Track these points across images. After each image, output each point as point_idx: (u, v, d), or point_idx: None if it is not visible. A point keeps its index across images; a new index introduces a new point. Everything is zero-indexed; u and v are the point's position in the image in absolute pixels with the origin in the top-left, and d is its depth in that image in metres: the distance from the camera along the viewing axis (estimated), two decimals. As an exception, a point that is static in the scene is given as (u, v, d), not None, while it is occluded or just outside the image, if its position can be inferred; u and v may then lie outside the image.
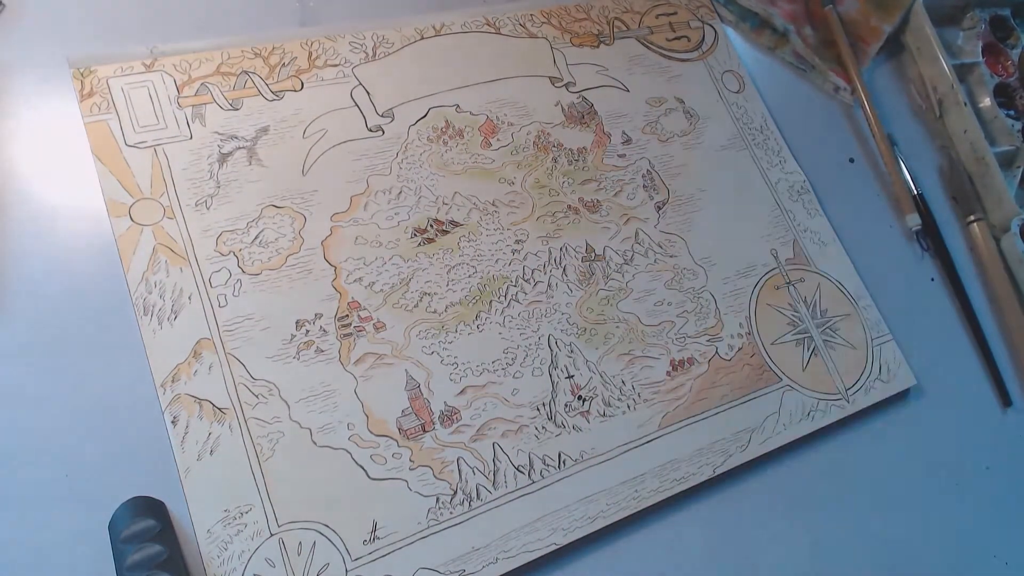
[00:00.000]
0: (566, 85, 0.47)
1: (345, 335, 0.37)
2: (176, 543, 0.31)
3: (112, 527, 0.31)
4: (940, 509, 0.43)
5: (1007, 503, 0.45)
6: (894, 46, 0.59)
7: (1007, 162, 0.56)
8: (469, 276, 0.40)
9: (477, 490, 0.35)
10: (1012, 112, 0.58)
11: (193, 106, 0.39)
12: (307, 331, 0.36)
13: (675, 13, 0.53)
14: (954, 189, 0.55)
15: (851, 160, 0.53)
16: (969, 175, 0.55)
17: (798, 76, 0.55)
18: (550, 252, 0.42)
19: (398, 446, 0.35)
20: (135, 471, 0.32)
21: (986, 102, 0.57)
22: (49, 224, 0.36)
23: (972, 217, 0.54)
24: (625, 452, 0.38)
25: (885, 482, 0.43)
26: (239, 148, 0.39)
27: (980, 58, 0.58)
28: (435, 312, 0.39)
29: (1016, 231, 0.52)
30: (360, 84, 0.43)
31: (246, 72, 0.41)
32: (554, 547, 0.35)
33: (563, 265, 0.42)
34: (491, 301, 0.40)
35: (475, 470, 0.36)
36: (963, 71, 0.57)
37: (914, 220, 0.52)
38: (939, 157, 0.57)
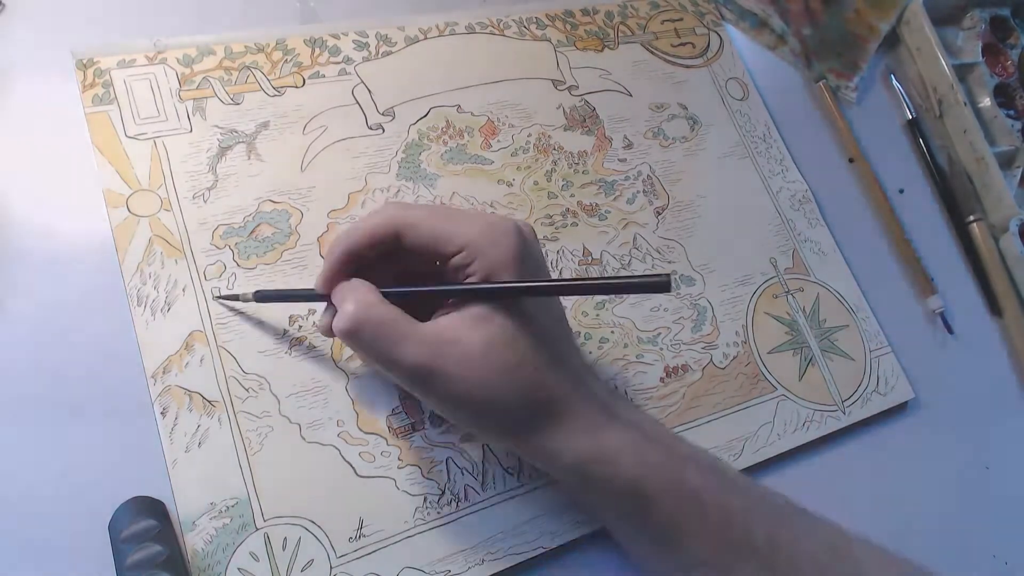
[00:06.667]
0: (568, 88, 0.47)
1: (338, 332, 0.37)
2: (176, 543, 0.31)
3: (112, 527, 0.31)
4: (941, 509, 0.42)
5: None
6: (891, 45, 0.59)
7: (1007, 162, 0.55)
8: (465, 276, 0.40)
9: (465, 491, 0.35)
10: (1012, 112, 0.57)
11: (194, 99, 0.40)
12: (300, 327, 0.36)
13: (681, 19, 0.53)
14: (954, 189, 0.55)
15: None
16: (969, 175, 0.55)
17: (798, 74, 0.55)
18: (547, 255, 0.42)
19: (387, 444, 0.35)
20: (135, 471, 0.32)
21: (986, 102, 0.57)
22: (46, 213, 0.36)
23: (972, 217, 0.54)
24: (616, 457, 0.38)
25: (881, 492, 0.43)
26: (239, 142, 0.39)
27: (980, 58, 0.58)
28: (429, 311, 0.39)
29: (1015, 231, 0.52)
30: (362, 82, 0.43)
31: (248, 67, 0.41)
32: (542, 550, 0.35)
33: (560, 268, 0.42)
34: (486, 302, 0.40)
35: (464, 471, 0.36)
36: (963, 71, 0.57)
37: (936, 302, 0.49)
38: (939, 157, 0.56)
